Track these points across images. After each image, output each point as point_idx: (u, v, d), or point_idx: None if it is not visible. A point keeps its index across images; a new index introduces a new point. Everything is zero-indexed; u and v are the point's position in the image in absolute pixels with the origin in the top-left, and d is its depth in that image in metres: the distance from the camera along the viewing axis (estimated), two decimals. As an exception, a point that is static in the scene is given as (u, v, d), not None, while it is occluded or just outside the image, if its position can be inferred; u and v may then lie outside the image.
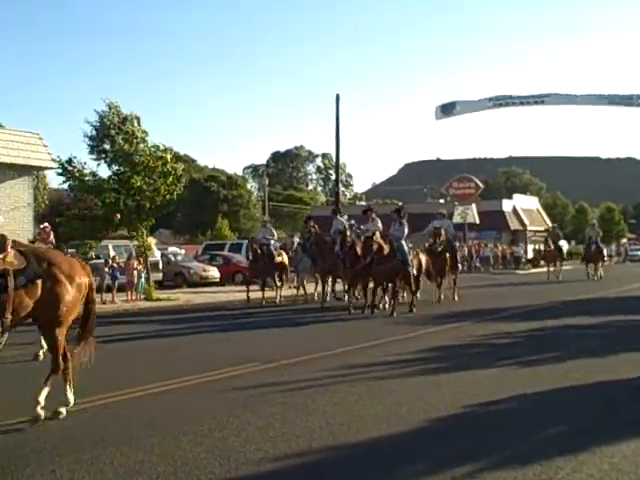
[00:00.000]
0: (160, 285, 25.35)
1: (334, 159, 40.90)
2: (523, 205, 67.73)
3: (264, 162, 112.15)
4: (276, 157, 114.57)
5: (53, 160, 26.30)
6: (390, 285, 17.49)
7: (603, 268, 32.51)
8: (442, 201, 70.48)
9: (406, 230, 17.27)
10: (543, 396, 7.68)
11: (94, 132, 25.27)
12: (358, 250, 17.27)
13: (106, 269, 20.84)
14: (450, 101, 43.15)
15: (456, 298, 20.18)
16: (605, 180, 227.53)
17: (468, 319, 15.17)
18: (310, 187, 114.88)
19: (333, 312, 17.52)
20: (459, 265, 21.33)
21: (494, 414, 7.00)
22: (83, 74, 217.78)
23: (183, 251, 38.23)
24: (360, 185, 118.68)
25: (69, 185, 27.29)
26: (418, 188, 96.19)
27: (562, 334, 13.00)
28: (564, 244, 35.11)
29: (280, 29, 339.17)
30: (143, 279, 22.08)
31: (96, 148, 25.67)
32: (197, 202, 65.91)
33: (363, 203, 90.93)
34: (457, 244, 46.58)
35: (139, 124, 26.26)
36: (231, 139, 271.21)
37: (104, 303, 19.81)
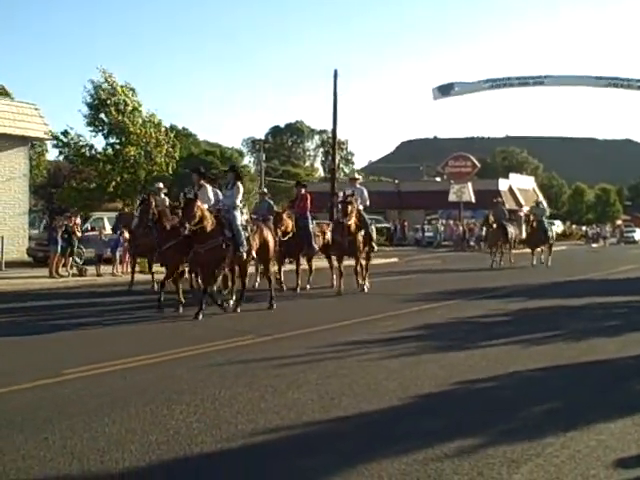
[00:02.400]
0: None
1: (331, 135, 40.79)
2: (519, 185, 67.79)
3: (263, 136, 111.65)
4: (275, 131, 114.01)
5: (46, 132, 26.25)
6: (226, 270, 13.38)
7: (550, 253, 26.87)
8: (438, 179, 70.57)
9: (240, 197, 12.83)
10: (535, 374, 7.73)
11: (90, 101, 25.25)
12: (167, 224, 12.97)
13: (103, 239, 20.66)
14: (448, 82, 42.88)
15: (366, 288, 16.38)
16: (601, 161, 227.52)
17: (459, 298, 15.22)
18: (307, 163, 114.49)
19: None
20: (374, 245, 16.82)
21: (485, 391, 7.05)
22: (81, 48, 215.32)
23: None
24: (357, 162, 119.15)
25: (65, 157, 27.36)
26: (414, 166, 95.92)
27: (553, 314, 13.06)
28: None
29: (281, 3, 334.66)
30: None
31: (93, 118, 25.67)
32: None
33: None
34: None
35: (133, 95, 26.21)
36: (233, 114, 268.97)
37: (99, 275, 19.75)
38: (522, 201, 64.29)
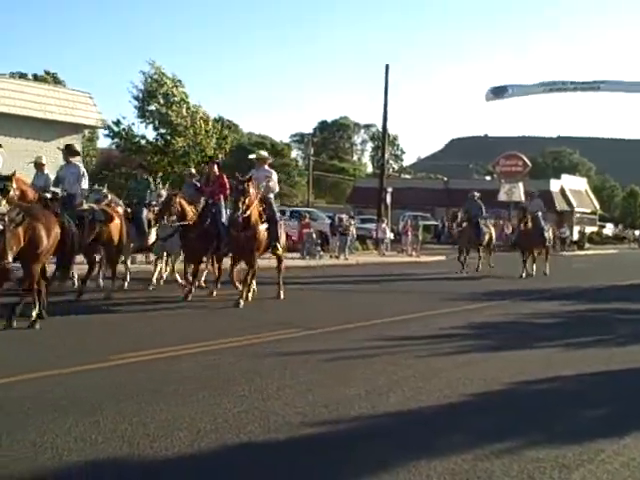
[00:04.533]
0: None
1: (381, 130, 40.74)
2: (571, 186, 66.56)
3: (311, 131, 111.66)
4: (323, 126, 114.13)
5: (99, 121, 26.76)
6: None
7: (548, 259, 22.09)
8: (488, 178, 69.74)
9: None
10: (590, 378, 7.59)
11: (140, 94, 25.66)
12: None
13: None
14: (502, 85, 42.45)
15: (282, 295, 13.31)
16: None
17: (506, 298, 15.00)
18: (355, 157, 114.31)
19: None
20: (278, 246, 12.90)
21: (537, 392, 6.93)
22: (130, 37, 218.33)
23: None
24: (406, 158, 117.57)
25: (116, 146, 27.87)
26: (464, 164, 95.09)
27: (605, 317, 12.83)
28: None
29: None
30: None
31: (143, 110, 26.06)
32: (241, 168, 66.15)
33: (408, 176, 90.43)
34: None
35: (180, 86, 26.52)
36: (278, 107, 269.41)
37: (149, 263, 19.86)
38: (574, 203, 63.21)
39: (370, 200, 43.73)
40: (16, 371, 6.61)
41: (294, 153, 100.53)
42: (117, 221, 12.78)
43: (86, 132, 35.06)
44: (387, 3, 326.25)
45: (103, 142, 55.52)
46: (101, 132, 41.04)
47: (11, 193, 10.19)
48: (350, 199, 67.15)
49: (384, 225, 32.86)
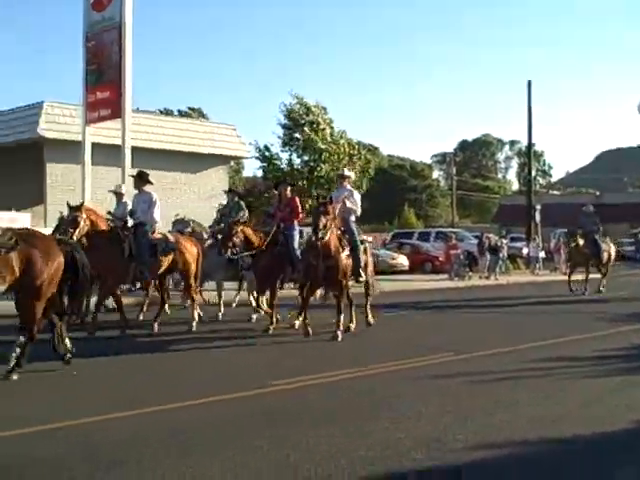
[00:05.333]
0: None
1: (526, 146, 39.67)
2: None
3: (451, 150, 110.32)
4: (464, 145, 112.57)
5: (250, 144, 27.90)
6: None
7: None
8: (645, 191, 65.90)
9: None
10: None
11: (285, 122, 26.44)
12: None
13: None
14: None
15: (371, 321, 12.28)
16: None
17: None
18: (500, 175, 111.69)
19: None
20: (361, 272, 11.70)
21: None
22: (270, 66, 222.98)
23: (370, 239, 38.60)
24: (554, 174, 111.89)
25: (264, 170, 28.77)
26: (616, 177, 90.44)
27: None
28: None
29: (473, 17, 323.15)
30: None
31: (288, 138, 26.78)
32: (382, 190, 66.23)
33: (556, 192, 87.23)
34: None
35: (325, 113, 27.03)
36: (417, 127, 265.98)
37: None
38: None
39: (517, 218, 42.52)
40: (145, 404, 6.57)
41: (435, 174, 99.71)
42: (194, 249, 12.39)
43: (232, 163, 36.64)
44: (530, 15, 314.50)
45: (248, 171, 58.04)
46: (246, 161, 42.58)
47: (81, 224, 10.70)
48: (496, 217, 65.60)
49: (536, 243, 31.88)
